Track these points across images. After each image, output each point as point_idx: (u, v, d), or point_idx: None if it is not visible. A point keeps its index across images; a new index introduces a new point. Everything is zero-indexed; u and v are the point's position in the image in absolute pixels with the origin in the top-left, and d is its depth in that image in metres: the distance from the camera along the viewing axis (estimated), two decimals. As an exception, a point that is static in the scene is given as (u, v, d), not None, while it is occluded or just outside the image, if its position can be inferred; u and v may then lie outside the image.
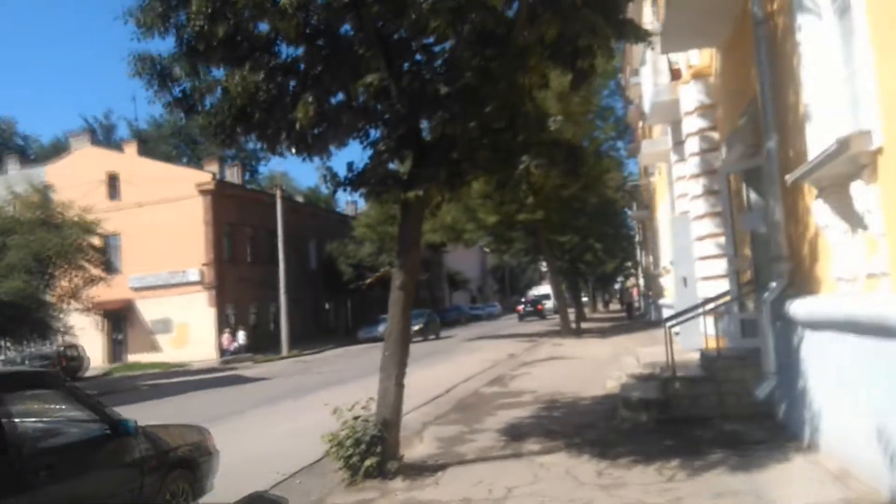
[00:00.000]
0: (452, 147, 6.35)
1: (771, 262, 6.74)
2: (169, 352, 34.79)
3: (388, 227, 28.68)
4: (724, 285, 10.39)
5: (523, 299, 57.53)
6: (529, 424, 8.87)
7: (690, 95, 11.02)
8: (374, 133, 7.29)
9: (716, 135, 10.74)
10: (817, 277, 5.97)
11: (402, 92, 6.47)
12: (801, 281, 6.35)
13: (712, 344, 9.65)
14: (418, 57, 6.72)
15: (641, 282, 47.42)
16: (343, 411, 6.74)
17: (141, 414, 6.42)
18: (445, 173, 6.25)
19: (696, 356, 9.95)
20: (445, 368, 17.98)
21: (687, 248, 11.96)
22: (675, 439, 7.05)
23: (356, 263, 41.32)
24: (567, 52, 6.57)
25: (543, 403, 10.39)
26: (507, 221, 24.79)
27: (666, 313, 24.73)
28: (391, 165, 7.21)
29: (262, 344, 34.72)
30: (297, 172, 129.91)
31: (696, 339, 12.51)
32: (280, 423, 11.58)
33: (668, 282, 22.31)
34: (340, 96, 6.62)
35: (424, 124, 6.80)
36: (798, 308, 6.08)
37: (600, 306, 53.44)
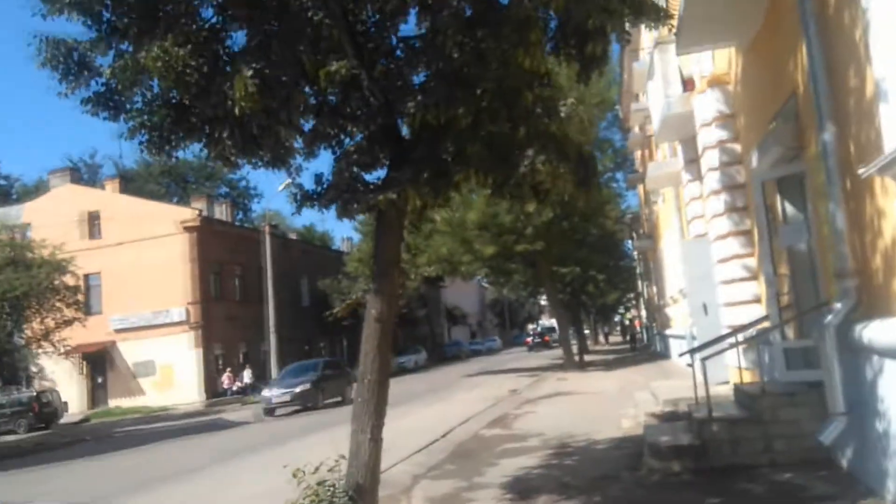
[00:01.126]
0: (437, 142, 5.18)
1: (835, 279, 5.56)
2: (152, 395, 33.27)
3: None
4: (752, 311, 9.21)
5: (531, 331, 65.33)
6: (539, 476, 7.56)
7: (707, 105, 9.96)
8: (349, 141, 6.12)
9: (737, 146, 9.66)
10: (895, 294, 4.79)
11: (375, 82, 5.34)
12: (873, 300, 5.15)
13: (743, 378, 8.41)
14: (393, 40, 5.56)
15: (643, 313, 46.24)
16: (306, 474, 5.45)
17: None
18: (428, 173, 5.07)
19: (725, 391, 8.70)
20: (443, 408, 16.61)
21: (706, 272, 10.79)
22: (718, 495, 5.77)
23: (351, 300, 39.96)
24: (574, 35, 5.45)
25: (553, 448, 9.07)
26: (505, 252, 23.64)
27: (674, 344, 23.62)
28: (366, 176, 6.00)
29: (252, 385, 33.33)
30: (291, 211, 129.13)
31: (721, 371, 11.27)
32: (242, 483, 10.16)
33: (675, 312, 21.12)
34: (305, 89, 5.47)
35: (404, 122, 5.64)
36: (873, 333, 4.87)
37: (601, 338, 51.93)
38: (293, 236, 52.76)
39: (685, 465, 6.41)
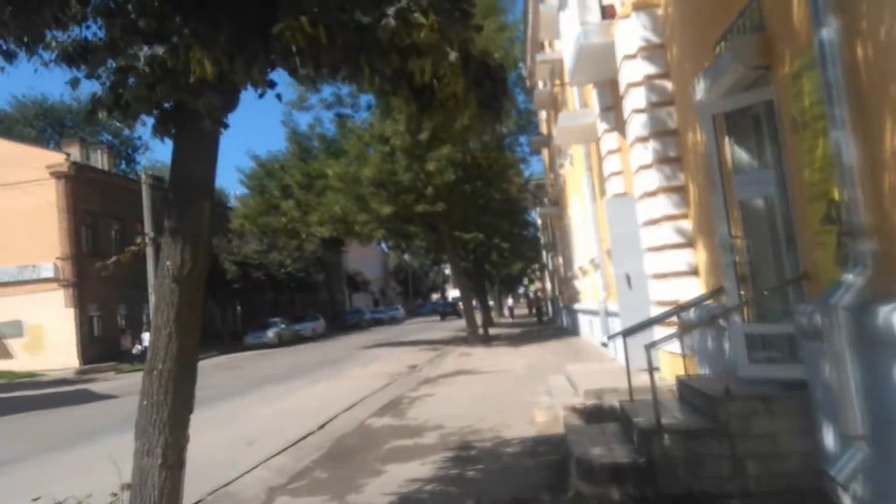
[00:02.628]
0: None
1: (840, 241, 4.00)
2: (22, 359, 29.70)
3: (270, 218, 24.91)
4: (687, 284, 7.81)
5: (442, 301, 73.63)
6: (433, 494, 5.83)
7: (632, 33, 8.38)
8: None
9: (668, 84, 8.14)
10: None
11: None
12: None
13: (685, 368, 6.95)
14: None
15: (548, 286, 45.70)
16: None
17: None
18: (231, 25, 3.03)
19: (661, 384, 7.24)
20: (331, 387, 14.70)
21: (630, 237, 9.32)
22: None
23: (241, 261, 37.06)
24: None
25: (453, 450, 7.37)
26: (403, 213, 21.75)
27: (584, 320, 22.51)
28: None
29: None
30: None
31: (642, 354, 9.93)
32: (55, 480, 7.92)
33: (586, 284, 19.97)
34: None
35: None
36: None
37: (506, 312, 50.94)
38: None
39: (627, 491, 4.81)
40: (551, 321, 37.79)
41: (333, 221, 22.69)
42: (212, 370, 23.56)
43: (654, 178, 8.13)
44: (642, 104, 8.31)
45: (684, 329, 7.41)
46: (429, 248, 32.91)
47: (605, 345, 14.77)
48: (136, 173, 51.29)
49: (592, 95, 13.42)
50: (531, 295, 61.08)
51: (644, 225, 8.51)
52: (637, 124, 8.39)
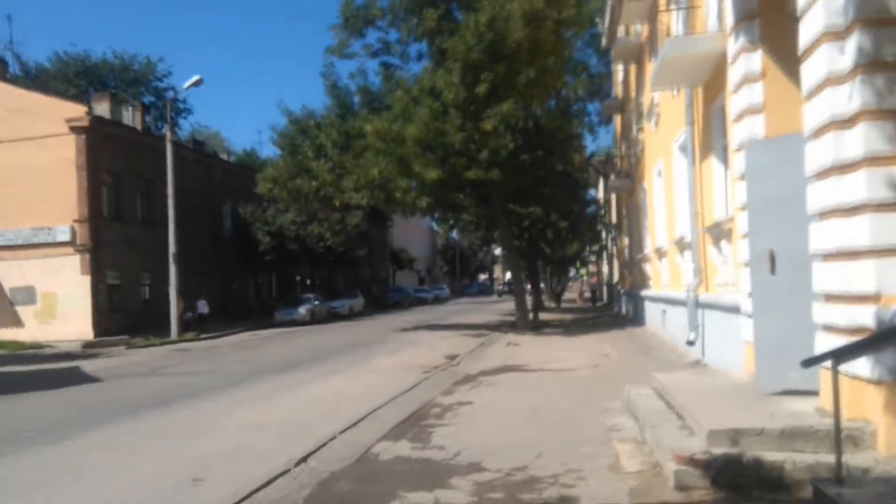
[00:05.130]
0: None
1: None
2: (33, 328, 27.71)
3: (301, 181, 22.10)
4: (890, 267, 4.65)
5: (502, 282, 76.41)
6: None
7: None
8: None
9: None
10: None
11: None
12: None
13: (861, 398, 3.84)
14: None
15: (606, 269, 42.16)
16: None
17: None
18: None
19: (817, 420, 4.22)
20: (343, 384, 11.85)
21: (783, 197, 6.17)
22: None
23: (276, 231, 34.61)
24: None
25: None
26: (452, 180, 18.61)
27: (652, 308, 19.23)
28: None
29: (155, 322, 28.16)
30: (233, 132, 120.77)
31: (739, 357, 6.80)
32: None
33: (660, 268, 16.74)
34: None
35: None
36: None
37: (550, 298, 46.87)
38: (225, 157, 46.71)
39: None
40: (607, 307, 34.50)
41: (371, 187, 19.72)
42: (225, 349, 21.23)
43: (852, 97, 4.91)
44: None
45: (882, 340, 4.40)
46: (479, 223, 29.84)
47: (691, 343, 11.63)
48: (176, 136, 49.64)
49: (711, 12, 10.22)
50: (583, 279, 57.27)
51: (818, 176, 5.33)
52: (827, 10, 5.18)
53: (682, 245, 13.21)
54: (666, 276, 16.04)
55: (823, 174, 5.24)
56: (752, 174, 6.49)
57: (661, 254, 16.47)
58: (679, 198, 14.13)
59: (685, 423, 5.73)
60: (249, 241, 34.70)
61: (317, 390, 10.99)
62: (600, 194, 38.45)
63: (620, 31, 20.68)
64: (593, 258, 48.42)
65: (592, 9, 22.40)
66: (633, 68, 21.66)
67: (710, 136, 10.78)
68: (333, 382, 11.82)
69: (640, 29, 18.75)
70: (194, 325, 28.95)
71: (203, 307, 30.16)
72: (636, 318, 21.47)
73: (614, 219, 33.44)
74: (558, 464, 5.75)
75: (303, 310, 33.44)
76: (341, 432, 7.28)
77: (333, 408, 9.11)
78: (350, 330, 26.81)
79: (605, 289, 42.46)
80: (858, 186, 4.84)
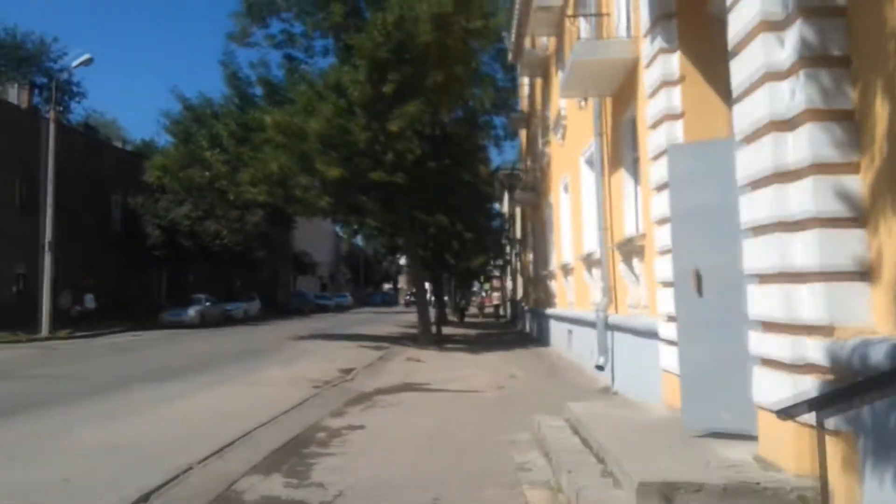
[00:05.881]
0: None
1: None
2: None
3: (192, 172, 20.52)
4: (848, 295, 4.11)
5: (411, 291, 75.47)
6: None
7: None
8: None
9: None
10: None
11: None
12: None
13: (806, 452, 3.27)
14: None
15: (510, 284, 42.10)
16: None
17: None
18: None
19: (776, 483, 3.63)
20: (221, 398, 10.60)
21: (710, 210, 5.63)
22: None
23: (168, 225, 32.37)
24: None
25: None
26: (356, 181, 17.61)
27: (557, 328, 18.81)
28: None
29: (29, 317, 25.50)
30: (133, 122, 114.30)
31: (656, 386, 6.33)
32: None
33: (566, 286, 16.34)
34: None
35: None
36: None
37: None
38: (120, 145, 43.55)
39: None
40: (510, 324, 34.29)
41: (269, 183, 18.43)
42: (99, 351, 19.33)
43: (795, 95, 4.37)
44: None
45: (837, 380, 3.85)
46: (383, 229, 28.89)
47: (600, 368, 11.13)
48: (67, 121, 45.97)
49: (621, 20, 9.80)
50: (484, 294, 57.24)
51: (752, 185, 4.78)
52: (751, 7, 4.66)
53: (589, 262, 12.79)
54: (572, 294, 15.65)
55: (760, 183, 4.68)
56: (675, 182, 5.92)
57: (567, 270, 16.09)
58: (587, 213, 13.74)
59: (607, 468, 5.02)
60: (138, 235, 32.29)
61: (189, 405, 9.71)
62: (505, 208, 38.34)
63: (527, 43, 20.44)
64: (497, 273, 48.41)
65: (499, 23, 22.18)
66: (539, 82, 21.46)
67: (621, 148, 10.37)
68: (210, 396, 10.53)
69: (547, 42, 18.53)
70: (81, 321, 26.76)
71: (90, 301, 28.04)
72: (540, 337, 21.10)
73: (519, 233, 33.37)
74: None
75: (192, 311, 31.33)
76: (202, 461, 6.16)
77: (203, 428, 7.94)
78: (242, 336, 25.18)
79: (508, 305, 42.38)
80: (804, 198, 4.28)
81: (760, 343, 4.80)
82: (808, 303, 4.29)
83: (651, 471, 4.44)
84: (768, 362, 4.69)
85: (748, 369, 4.98)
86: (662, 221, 7.01)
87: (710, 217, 5.62)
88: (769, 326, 4.67)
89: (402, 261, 56.89)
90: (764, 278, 4.75)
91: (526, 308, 27.72)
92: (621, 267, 10.11)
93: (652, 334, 7.87)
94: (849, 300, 4.12)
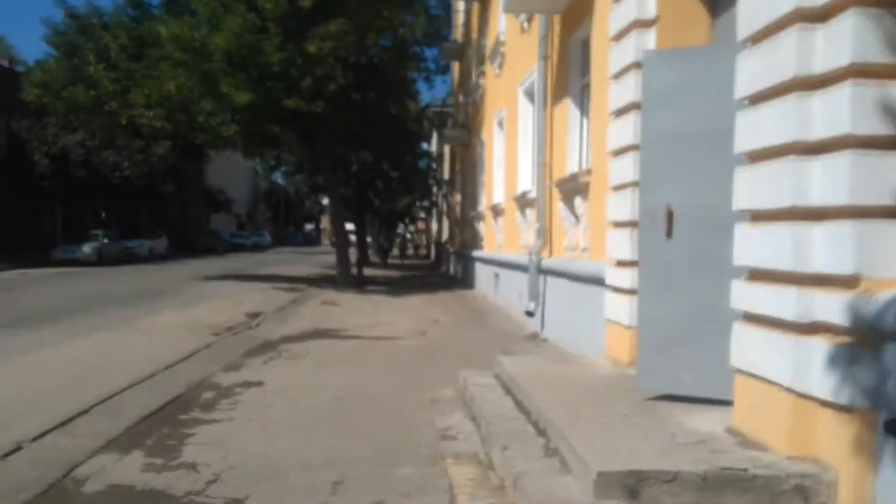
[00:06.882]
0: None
1: None
2: None
3: (75, 90, 18.02)
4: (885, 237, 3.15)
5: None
6: None
7: None
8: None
9: None
10: None
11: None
12: None
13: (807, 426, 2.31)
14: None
15: (435, 227, 41.06)
16: None
17: None
18: None
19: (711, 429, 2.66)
20: (96, 348, 9.06)
21: (690, 134, 4.57)
22: None
23: (59, 154, 29.38)
24: None
25: None
26: (268, 109, 15.75)
27: (483, 271, 17.84)
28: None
29: None
30: (26, 42, 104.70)
31: (597, 338, 5.46)
32: None
33: (495, 227, 15.37)
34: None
35: None
36: None
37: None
38: (6, 64, 39.21)
39: None
40: (434, 266, 33.37)
41: (168, 107, 16.34)
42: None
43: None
44: None
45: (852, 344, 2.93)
46: (302, 166, 27.01)
47: (530, 314, 10.22)
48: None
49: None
50: (408, 236, 55.97)
51: (759, 99, 3.71)
52: None
53: (524, 202, 11.77)
54: (501, 236, 14.68)
55: (770, 94, 3.61)
56: (648, 100, 4.80)
57: (497, 212, 15.07)
58: (523, 149, 12.68)
59: (550, 443, 3.99)
60: (25, 163, 29.21)
61: (51, 356, 8.16)
62: (434, 148, 36.93)
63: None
64: (423, 214, 47.18)
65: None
66: (476, 6, 20.01)
67: (567, 74, 9.26)
68: (83, 346, 8.97)
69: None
70: None
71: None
72: (465, 280, 20.20)
73: (447, 174, 32.12)
74: (369, 492, 3.84)
75: (88, 248, 28.77)
76: (39, 437, 4.78)
77: (59, 387, 6.49)
78: (144, 275, 23.16)
79: (433, 247, 41.41)
80: (837, 111, 3.23)
81: (747, 295, 3.81)
82: (825, 247, 3.29)
83: (610, 454, 3.42)
84: (756, 319, 3.72)
85: (721, 326, 4.03)
86: (622, 151, 5.93)
87: (689, 143, 4.55)
88: (761, 275, 3.67)
89: (325, 201, 54.71)
90: (759, 216, 3.73)
91: (451, 251, 26.77)
92: (560, 207, 9.12)
93: (594, 280, 6.91)
94: (883, 245, 3.14)
